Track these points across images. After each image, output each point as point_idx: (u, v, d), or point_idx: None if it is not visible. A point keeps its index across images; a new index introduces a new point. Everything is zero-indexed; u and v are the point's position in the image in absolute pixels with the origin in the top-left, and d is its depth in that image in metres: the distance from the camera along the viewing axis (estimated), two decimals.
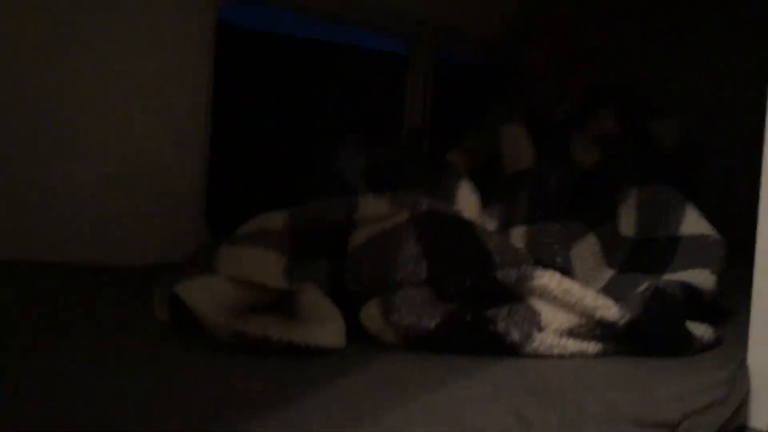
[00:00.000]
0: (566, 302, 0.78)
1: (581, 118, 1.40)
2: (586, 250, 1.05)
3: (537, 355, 0.76)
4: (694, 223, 1.05)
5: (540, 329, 0.76)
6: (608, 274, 1.05)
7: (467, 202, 1.08)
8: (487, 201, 1.13)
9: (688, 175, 1.32)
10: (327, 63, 1.67)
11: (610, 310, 0.78)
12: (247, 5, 1.39)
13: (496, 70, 1.90)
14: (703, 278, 0.94)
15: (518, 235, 1.07)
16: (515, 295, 0.78)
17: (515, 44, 1.72)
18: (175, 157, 1.29)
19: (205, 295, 0.72)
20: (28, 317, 0.85)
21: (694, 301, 0.89)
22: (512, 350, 0.75)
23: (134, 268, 1.15)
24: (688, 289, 0.88)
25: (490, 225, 1.08)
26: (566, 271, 0.98)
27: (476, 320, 0.75)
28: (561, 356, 0.77)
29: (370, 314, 0.77)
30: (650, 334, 0.79)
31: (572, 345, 0.77)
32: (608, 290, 1.01)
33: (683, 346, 0.81)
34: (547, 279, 0.78)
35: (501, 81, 1.78)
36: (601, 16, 1.94)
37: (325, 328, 0.73)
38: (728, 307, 0.98)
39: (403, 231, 0.80)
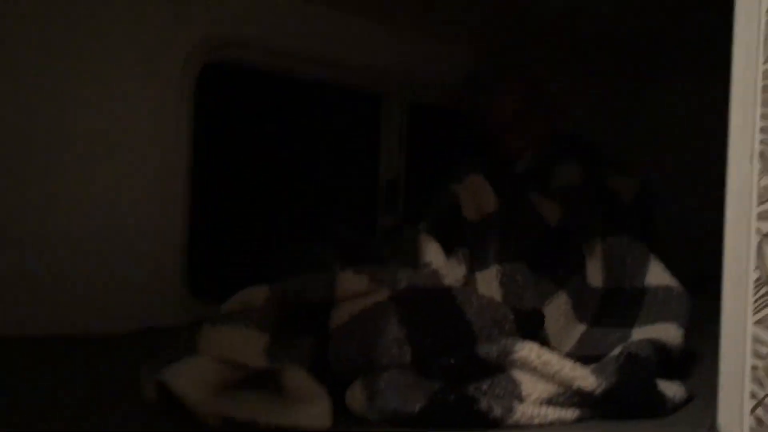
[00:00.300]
0: (546, 372, 0.81)
1: (543, 171, 1.43)
2: (558, 309, 1.08)
3: (519, 426, 0.79)
4: (659, 275, 1.10)
5: (521, 400, 0.79)
6: (579, 329, 1.09)
7: (431, 253, 1.11)
8: (451, 249, 1.15)
9: (647, 227, 1.37)
10: (307, 101, 1.69)
11: (587, 380, 0.81)
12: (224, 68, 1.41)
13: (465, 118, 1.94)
14: (672, 333, 0.98)
15: (491, 275, 1.09)
16: (498, 367, 0.81)
17: (480, 94, 1.76)
18: (156, 223, 1.30)
19: (192, 381, 0.73)
20: (11, 391, 0.85)
21: (665, 360, 0.93)
22: (495, 425, 0.77)
23: (118, 336, 1.16)
24: (660, 349, 0.91)
25: (459, 271, 1.10)
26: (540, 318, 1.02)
27: (459, 400, 0.77)
28: (541, 425, 0.80)
29: (355, 397, 0.79)
30: (625, 399, 0.82)
31: (552, 413, 0.80)
32: (581, 346, 1.04)
33: (657, 409, 0.85)
34: (527, 351, 0.82)
35: (469, 129, 1.82)
36: (563, 68, 2.00)
37: (311, 408, 0.75)
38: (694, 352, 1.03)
39: (384, 311, 0.82)
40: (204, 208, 1.40)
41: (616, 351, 0.88)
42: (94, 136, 1.23)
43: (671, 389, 0.88)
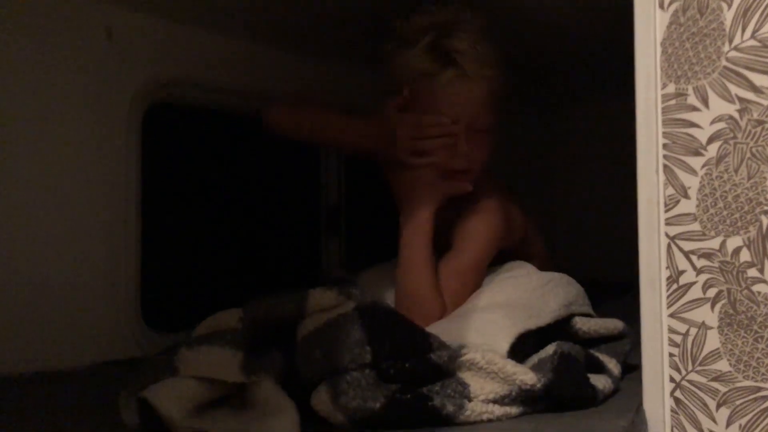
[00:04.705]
0: (491, 371, 0.90)
1: None
2: None
3: (469, 422, 0.87)
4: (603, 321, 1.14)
5: (470, 399, 0.87)
6: None
7: None
8: None
9: None
10: (250, 135, 1.74)
11: (527, 375, 0.90)
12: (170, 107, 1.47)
13: None
14: (612, 365, 1.06)
15: None
16: (448, 372, 0.89)
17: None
18: (109, 257, 1.33)
19: (174, 399, 0.78)
20: None
21: (592, 365, 1.03)
22: (448, 421, 0.85)
23: (76, 371, 1.19)
24: (590, 356, 1.01)
25: None
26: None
27: (415, 398, 0.85)
28: (490, 420, 0.88)
29: (321, 398, 0.85)
30: (562, 393, 0.92)
31: (498, 410, 0.89)
32: None
33: (590, 400, 0.94)
34: (473, 353, 0.90)
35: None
36: None
37: (281, 420, 0.81)
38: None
39: (349, 319, 0.89)
40: (156, 241, 1.44)
41: (550, 351, 0.97)
42: (42, 174, 1.26)
43: (601, 382, 0.97)
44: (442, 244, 1.27)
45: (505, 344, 0.98)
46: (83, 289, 1.31)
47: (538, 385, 0.90)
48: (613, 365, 1.05)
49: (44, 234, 1.26)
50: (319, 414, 0.86)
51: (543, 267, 1.26)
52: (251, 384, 0.85)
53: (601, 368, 1.03)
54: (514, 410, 0.90)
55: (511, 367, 0.90)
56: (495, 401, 0.89)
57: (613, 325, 1.12)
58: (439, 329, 1.00)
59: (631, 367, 1.09)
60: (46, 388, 1.12)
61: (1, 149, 1.21)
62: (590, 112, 2.48)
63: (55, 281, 1.27)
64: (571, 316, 1.11)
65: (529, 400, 0.91)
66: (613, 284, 1.72)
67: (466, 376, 0.90)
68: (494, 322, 1.04)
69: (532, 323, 1.04)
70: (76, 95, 1.30)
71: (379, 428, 0.84)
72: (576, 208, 2.60)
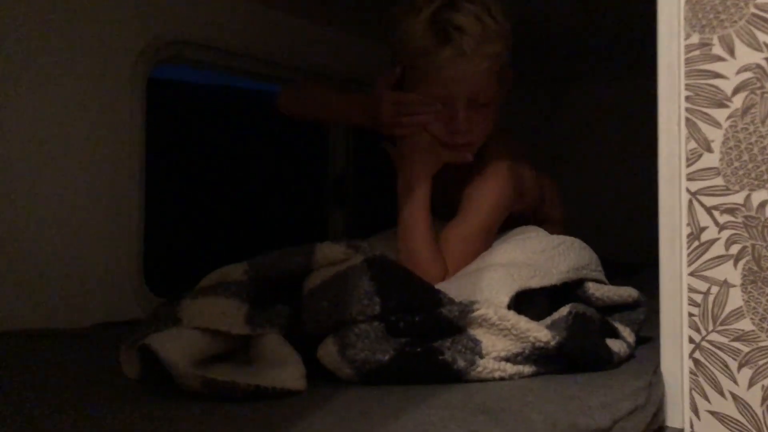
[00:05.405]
0: (503, 327, 0.87)
1: None
2: None
3: (480, 379, 0.84)
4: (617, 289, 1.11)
5: (482, 356, 0.85)
6: None
7: None
8: None
9: None
10: (256, 106, 1.72)
11: (541, 332, 0.87)
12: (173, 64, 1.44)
13: None
14: (626, 333, 1.03)
15: None
16: (459, 328, 0.87)
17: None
18: (112, 219, 1.31)
19: (175, 346, 0.76)
20: None
21: (607, 330, 1.00)
22: (459, 376, 0.83)
23: (77, 331, 1.17)
24: (605, 321, 0.98)
25: None
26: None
27: (426, 352, 0.82)
28: (502, 378, 0.85)
29: (328, 351, 0.83)
30: (577, 352, 0.89)
31: (511, 368, 0.86)
32: None
33: (605, 361, 0.91)
34: (485, 308, 0.87)
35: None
36: None
37: (288, 371, 0.78)
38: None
39: (357, 271, 0.86)
40: (161, 206, 1.42)
41: (564, 312, 0.95)
42: (46, 134, 1.24)
43: (616, 345, 0.95)
44: (451, 209, 1.24)
45: (504, 298, 0.95)
46: (87, 250, 1.29)
47: (552, 343, 0.87)
48: (627, 333, 1.02)
49: (48, 194, 1.24)
50: (325, 367, 0.83)
51: (559, 233, 1.23)
52: (256, 337, 0.83)
53: (615, 334, 1.00)
54: (527, 369, 0.87)
55: (524, 323, 0.87)
56: (507, 359, 0.86)
57: (627, 292, 1.08)
58: (439, 288, 0.97)
59: (645, 339, 1.06)
60: (47, 345, 1.10)
61: (5, 104, 1.18)
62: (603, 90, 2.44)
63: (59, 242, 1.25)
64: (584, 280, 1.08)
65: (542, 360, 0.88)
66: (623, 265, 1.69)
67: (477, 332, 0.87)
68: (495, 279, 1.00)
69: (536, 282, 1.01)
70: (82, 50, 1.27)
71: (387, 382, 0.81)
72: (586, 187, 2.56)
